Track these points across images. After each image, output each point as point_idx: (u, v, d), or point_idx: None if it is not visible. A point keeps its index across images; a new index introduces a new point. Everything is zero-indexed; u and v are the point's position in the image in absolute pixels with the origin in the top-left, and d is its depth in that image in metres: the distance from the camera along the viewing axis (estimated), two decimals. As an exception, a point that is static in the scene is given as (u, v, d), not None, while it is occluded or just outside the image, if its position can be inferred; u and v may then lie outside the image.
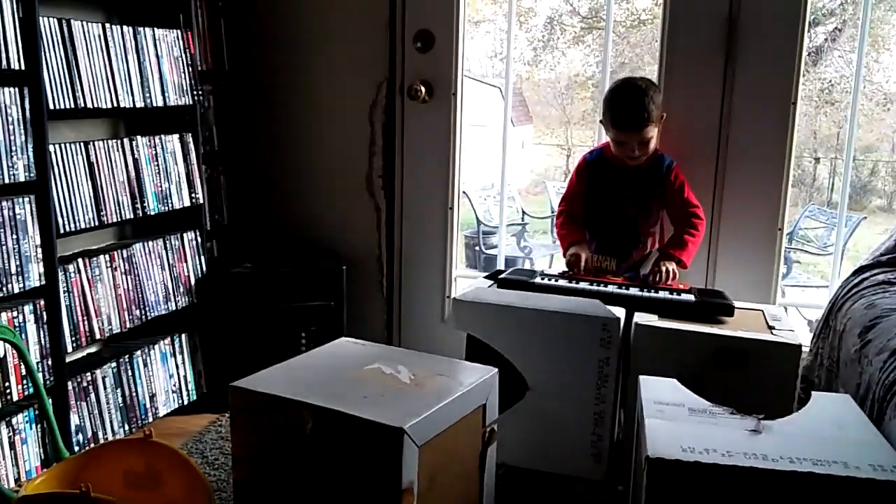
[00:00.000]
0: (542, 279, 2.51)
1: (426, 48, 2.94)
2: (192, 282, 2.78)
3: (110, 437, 2.42)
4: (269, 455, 1.84)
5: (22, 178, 2.11)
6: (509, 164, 3.35)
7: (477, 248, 5.79)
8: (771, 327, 2.24)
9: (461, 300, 2.36)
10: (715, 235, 2.76)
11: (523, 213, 6.36)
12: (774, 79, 2.65)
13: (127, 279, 2.51)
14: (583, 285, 2.45)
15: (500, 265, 3.18)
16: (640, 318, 2.25)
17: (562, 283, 2.48)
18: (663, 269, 2.53)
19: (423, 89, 2.92)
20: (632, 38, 8.64)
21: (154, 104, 2.58)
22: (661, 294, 2.39)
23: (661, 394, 1.77)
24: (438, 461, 1.80)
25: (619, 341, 2.22)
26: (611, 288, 2.43)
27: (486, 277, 2.64)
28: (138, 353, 2.57)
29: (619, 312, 2.26)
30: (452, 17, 2.90)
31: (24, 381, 2.12)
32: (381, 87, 2.98)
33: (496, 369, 2.03)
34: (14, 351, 2.06)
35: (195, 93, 2.77)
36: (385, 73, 2.97)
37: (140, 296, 2.56)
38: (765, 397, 2.05)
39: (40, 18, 2.16)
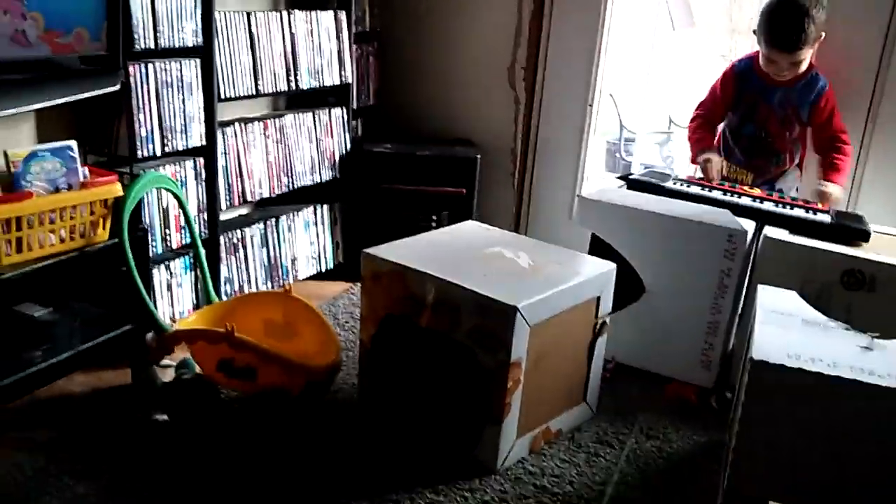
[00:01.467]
0: (674, 184, 2.50)
1: (585, -62, 2.87)
2: (337, 157, 2.94)
3: (254, 291, 2.65)
4: (393, 319, 1.99)
5: (190, 43, 2.28)
6: (661, 69, 3.27)
7: (617, 154, 5.71)
8: (909, 254, 2.15)
9: (587, 198, 2.40)
10: (863, 159, 2.63)
11: (670, 121, 6.17)
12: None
13: (278, 148, 2.69)
14: (715, 194, 2.43)
15: (637, 171, 3.16)
16: (770, 231, 2.21)
17: (693, 189, 2.46)
18: (827, 191, 2.47)
19: (576, -19, 2.88)
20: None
21: (313, -20, 2.68)
22: (796, 211, 2.33)
23: (777, 303, 1.78)
24: (548, 343, 1.90)
25: (744, 254, 2.20)
26: (744, 200, 2.40)
27: (618, 178, 2.65)
28: (284, 218, 2.77)
29: (749, 225, 2.23)
30: None
31: (183, 231, 2.35)
32: (533, -26, 2.95)
33: (614, 265, 2.08)
34: (176, 202, 2.27)
35: (352, -27, 2.85)
36: (539, -40, 2.94)
37: (289, 165, 2.74)
38: (890, 322, 2.00)
39: None
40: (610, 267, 2.06)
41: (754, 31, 2.57)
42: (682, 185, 2.49)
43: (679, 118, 6.25)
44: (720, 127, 2.74)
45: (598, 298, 2.04)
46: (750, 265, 2.25)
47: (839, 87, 2.56)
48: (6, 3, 1.78)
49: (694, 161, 2.70)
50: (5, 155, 1.86)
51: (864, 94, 2.60)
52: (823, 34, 2.46)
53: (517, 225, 3.21)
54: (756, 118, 2.62)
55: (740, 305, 2.30)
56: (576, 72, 2.99)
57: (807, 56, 2.47)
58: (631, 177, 2.55)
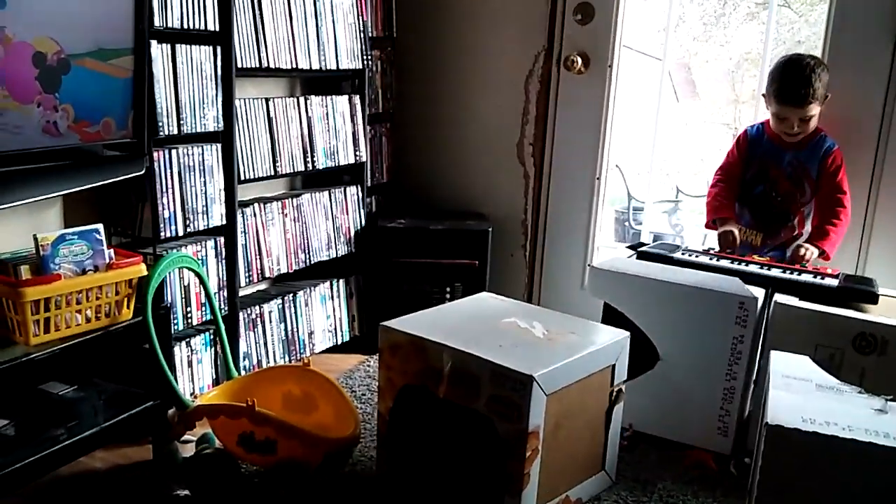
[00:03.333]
0: (683, 254, 2.55)
1: (586, 20, 2.99)
2: (352, 233, 3.01)
3: (272, 365, 2.69)
4: (411, 391, 2.02)
5: (211, 128, 2.38)
6: (667, 140, 3.36)
7: (626, 223, 5.77)
8: (919, 317, 2.18)
9: (598, 268, 2.45)
10: (870, 221, 2.68)
11: (678, 190, 6.26)
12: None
13: (295, 226, 2.76)
14: (723, 263, 2.47)
15: (646, 240, 3.21)
16: (780, 297, 2.25)
17: (702, 259, 2.51)
18: (802, 252, 2.52)
19: (579, 60, 2.99)
20: (811, 17, 8.19)
21: (327, 67, 2.80)
22: (804, 277, 2.37)
23: (790, 368, 1.80)
24: (564, 412, 1.92)
25: (756, 320, 2.23)
26: (752, 267, 2.44)
27: (628, 248, 2.70)
28: (301, 293, 2.82)
29: (758, 292, 2.27)
30: (614, -9, 2.94)
31: (203, 308, 2.40)
32: (538, 56, 3.07)
33: (628, 333, 2.11)
34: (197, 280, 2.34)
35: (365, 57, 2.97)
36: (544, 43, 3.05)
37: (306, 242, 2.81)
38: (903, 385, 2.02)
39: (234, -16, 2.41)
40: (624, 335, 2.09)
41: (764, 95, 2.66)
42: (690, 255, 2.54)
43: (686, 187, 6.34)
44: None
45: (614, 366, 2.07)
46: (762, 332, 2.28)
47: (843, 149, 2.63)
48: (40, 97, 1.88)
49: (710, 226, 2.76)
50: (35, 239, 1.93)
51: (867, 156, 2.67)
52: (829, 95, 2.55)
53: (530, 295, 3.25)
54: (767, 179, 2.69)
55: (754, 371, 2.32)
56: (583, 146, 3.08)
57: (816, 112, 2.56)
58: (641, 249, 2.60)
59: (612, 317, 2.39)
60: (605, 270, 2.42)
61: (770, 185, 2.69)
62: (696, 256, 2.53)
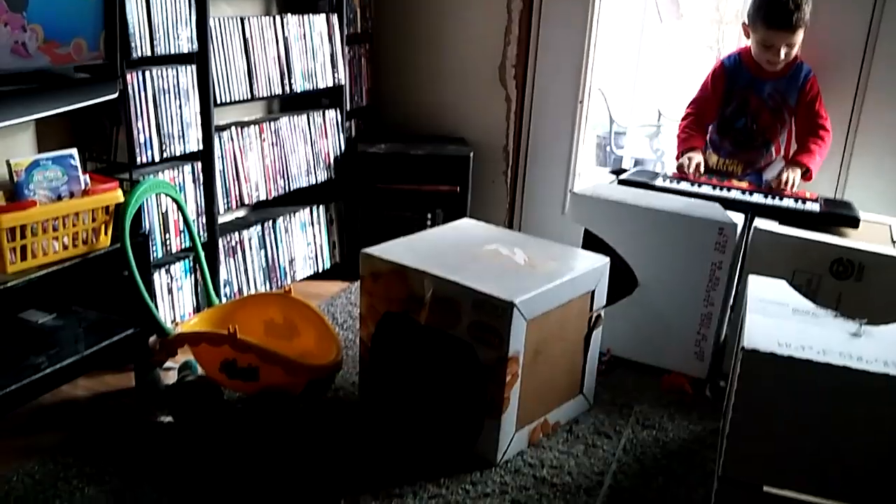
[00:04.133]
0: (664, 181, 2.54)
1: (570, -63, 2.91)
2: (332, 158, 2.97)
3: (253, 293, 2.69)
4: (392, 317, 2.03)
5: (185, 49, 2.31)
6: (649, 62, 3.31)
7: (608, 148, 5.74)
8: (895, 242, 2.20)
9: (579, 194, 2.44)
10: (850, 146, 2.68)
11: (659, 114, 6.20)
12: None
13: (273, 150, 2.72)
14: (704, 189, 2.47)
15: (627, 165, 3.20)
16: (760, 223, 2.26)
17: (683, 185, 2.50)
18: (787, 175, 2.51)
19: (563, -21, 2.91)
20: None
21: (304, -16, 2.71)
22: (785, 202, 2.38)
23: (767, 293, 1.82)
24: (544, 337, 1.94)
25: (735, 246, 2.25)
26: (733, 193, 2.44)
27: (610, 173, 2.69)
28: (281, 219, 2.80)
29: (738, 218, 2.28)
30: None
31: (182, 235, 2.38)
32: (521, -25, 2.99)
33: (607, 259, 2.12)
34: (175, 206, 2.30)
35: (342, -25, 2.88)
36: (527, -39, 2.97)
37: (284, 167, 2.77)
38: (878, 310, 2.04)
39: None
40: (604, 261, 2.10)
41: (744, 23, 2.61)
42: (672, 181, 2.53)
43: (668, 111, 6.29)
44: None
45: (593, 292, 2.08)
46: (741, 257, 2.30)
47: (825, 78, 2.62)
48: (6, 16, 1.81)
49: (678, 158, 2.75)
50: (8, 164, 1.88)
51: (849, 83, 2.66)
52: (808, 22, 2.52)
53: (511, 221, 3.25)
54: (748, 111, 2.66)
55: (732, 297, 2.34)
56: (566, 69, 3.03)
57: (799, 40, 2.52)
58: (621, 177, 2.59)
59: (592, 243, 2.40)
60: (585, 196, 2.41)
61: (751, 117, 2.66)
62: (677, 183, 2.53)
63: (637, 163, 5.02)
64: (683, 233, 2.28)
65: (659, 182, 2.52)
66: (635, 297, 2.39)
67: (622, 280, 2.35)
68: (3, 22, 1.81)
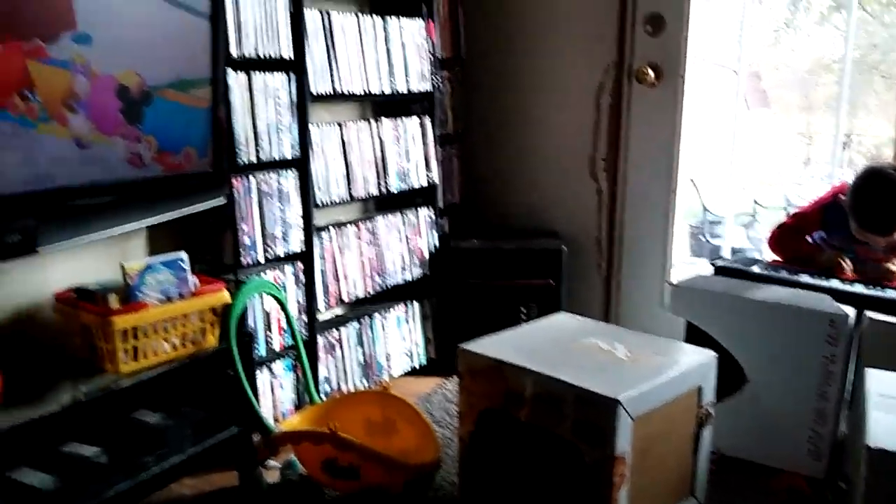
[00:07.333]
0: (764, 269, 2.47)
1: (656, 31, 2.95)
2: (426, 254, 3.01)
3: (351, 390, 2.70)
4: (491, 414, 2.00)
5: (288, 155, 2.41)
6: (741, 151, 3.28)
7: (702, 237, 5.65)
8: None
9: (680, 286, 2.39)
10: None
11: (755, 203, 6.10)
12: None
13: (370, 249, 2.78)
14: (805, 278, 2.39)
15: (726, 255, 3.13)
16: (873, 314, 2.16)
17: (783, 274, 2.43)
18: (889, 266, 2.40)
19: (650, 72, 2.94)
20: (885, 18, 7.93)
21: (398, 89, 2.81)
22: (892, 293, 2.27)
23: (888, 387, 1.72)
24: (652, 436, 1.86)
25: (847, 339, 2.14)
26: (836, 283, 2.35)
27: (710, 263, 2.64)
28: (377, 316, 2.83)
29: (849, 309, 2.18)
30: (683, 0, 2.89)
31: (284, 334, 2.43)
32: (608, 70, 3.03)
33: (714, 353, 2.05)
34: (277, 305, 2.36)
35: (434, 79, 2.98)
36: (613, 56, 3.02)
37: (380, 265, 2.82)
38: None
39: (306, 10, 2.44)
40: (711, 355, 2.03)
41: (841, 201, 2.48)
42: (771, 270, 2.46)
43: (763, 199, 6.18)
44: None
45: (701, 388, 2.01)
46: (854, 350, 2.19)
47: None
48: (124, 129, 1.93)
49: (787, 261, 2.62)
50: (122, 268, 1.98)
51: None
52: None
53: (607, 314, 3.20)
54: (856, 254, 2.55)
55: (847, 391, 2.22)
56: (656, 160, 3.03)
57: None
58: (718, 264, 2.53)
59: (695, 336, 2.33)
60: (687, 288, 2.36)
61: (860, 258, 2.54)
62: (777, 272, 2.45)
63: (735, 252, 4.91)
64: (792, 325, 2.19)
65: (757, 269, 2.45)
66: (744, 393, 2.29)
67: (729, 375, 2.26)
68: (121, 134, 1.94)
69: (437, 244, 3.06)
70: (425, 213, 3.01)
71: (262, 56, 2.30)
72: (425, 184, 2.98)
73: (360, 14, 2.68)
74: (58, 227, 1.83)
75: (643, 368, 1.92)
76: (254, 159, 2.29)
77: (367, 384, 2.78)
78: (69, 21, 1.78)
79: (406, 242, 2.93)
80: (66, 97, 1.79)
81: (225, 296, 2.07)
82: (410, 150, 2.91)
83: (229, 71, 2.19)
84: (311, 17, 2.48)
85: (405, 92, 2.85)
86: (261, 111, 2.30)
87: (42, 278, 2.02)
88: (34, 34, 1.72)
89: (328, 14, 2.54)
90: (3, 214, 1.72)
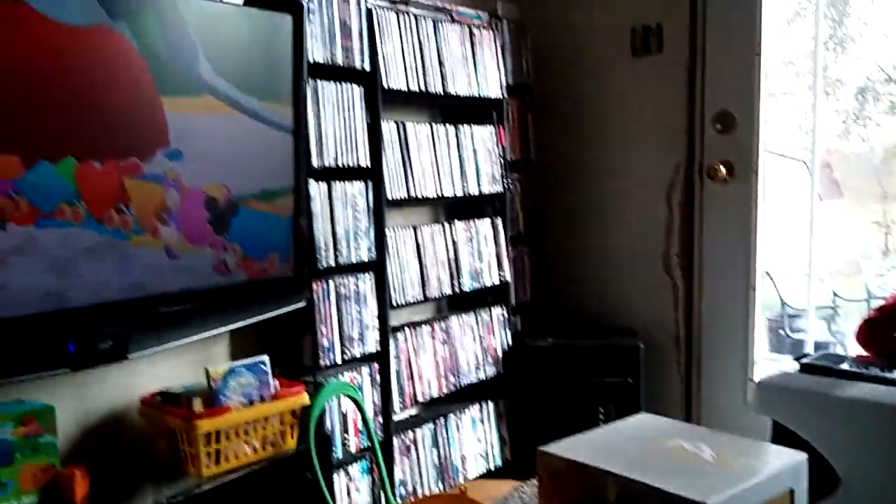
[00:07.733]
0: (851, 366, 2.38)
1: (726, 129, 2.96)
2: (499, 353, 3.00)
3: (426, 493, 2.66)
4: (574, 520, 1.94)
5: (365, 258, 2.47)
6: (817, 242, 3.22)
7: (781, 331, 5.49)
8: None
9: (766, 384, 2.32)
10: None
11: (835, 295, 5.92)
12: None
13: (444, 349, 2.79)
14: (897, 374, 2.29)
15: (809, 350, 3.03)
16: (975, 411, 2.05)
17: (875, 371, 2.33)
18: None
19: (722, 169, 2.94)
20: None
21: (470, 192, 2.88)
22: None
23: None
24: (744, 543, 1.78)
25: (949, 436, 2.04)
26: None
27: (794, 360, 2.55)
28: (452, 416, 2.82)
29: (949, 405, 2.08)
30: (753, 97, 2.90)
31: (360, 435, 2.43)
32: (678, 168, 3.05)
33: (805, 454, 1.96)
34: (354, 406, 2.37)
35: (505, 181, 3.04)
36: (683, 154, 3.03)
37: (454, 364, 2.82)
38: None
39: (382, 122, 2.54)
40: (802, 457, 1.94)
41: None
42: (860, 366, 2.37)
43: (842, 290, 6.00)
44: None
45: (792, 491, 1.91)
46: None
47: None
48: (212, 239, 2.02)
49: (877, 356, 2.52)
50: (206, 372, 2.03)
51: None
52: None
53: (688, 413, 3.11)
54: None
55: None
56: (732, 254, 2.99)
57: None
58: (804, 361, 2.45)
59: (782, 436, 2.24)
60: (774, 386, 2.29)
61: None
62: (867, 368, 2.36)
63: (818, 347, 4.75)
64: (887, 424, 2.09)
65: (846, 366, 2.36)
66: (838, 498, 2.18)
67: (821, 477, 2.16)
68: (209, 244, 2.02)
69: (511, 342, 3.05)
70: (498, 312, 3.02)
71: (341, 165, 2.40)
72: (497, 282, 3.00)
73: (433, 124, 2.77)
74: (147, 334, 1.91)
75: (731, 471, 1.85)
76: (332, 263, 2.36)
77: (442, 487, 2.74)
78: (163, 139, 1.90)
79: (479, 341, 2.93)
80: (158, 210, 1.89)
81: (305, 398, 2.10)
82: (483, 250, 2.95)
83: (311, 181, 2.29)
84: (388, 128, 2.58)
85: (477, 194, 2.91)
86: (339, 217, 2.38)
87: (129, 382, 2.09)
88: (132, 153, 1.83)
89: (403, 125, 2.64)
90: (96, 322, 1.80)
